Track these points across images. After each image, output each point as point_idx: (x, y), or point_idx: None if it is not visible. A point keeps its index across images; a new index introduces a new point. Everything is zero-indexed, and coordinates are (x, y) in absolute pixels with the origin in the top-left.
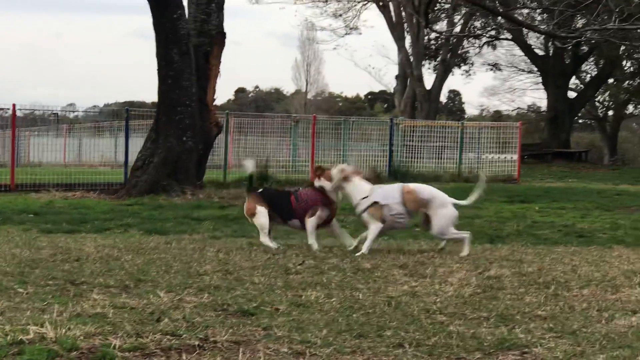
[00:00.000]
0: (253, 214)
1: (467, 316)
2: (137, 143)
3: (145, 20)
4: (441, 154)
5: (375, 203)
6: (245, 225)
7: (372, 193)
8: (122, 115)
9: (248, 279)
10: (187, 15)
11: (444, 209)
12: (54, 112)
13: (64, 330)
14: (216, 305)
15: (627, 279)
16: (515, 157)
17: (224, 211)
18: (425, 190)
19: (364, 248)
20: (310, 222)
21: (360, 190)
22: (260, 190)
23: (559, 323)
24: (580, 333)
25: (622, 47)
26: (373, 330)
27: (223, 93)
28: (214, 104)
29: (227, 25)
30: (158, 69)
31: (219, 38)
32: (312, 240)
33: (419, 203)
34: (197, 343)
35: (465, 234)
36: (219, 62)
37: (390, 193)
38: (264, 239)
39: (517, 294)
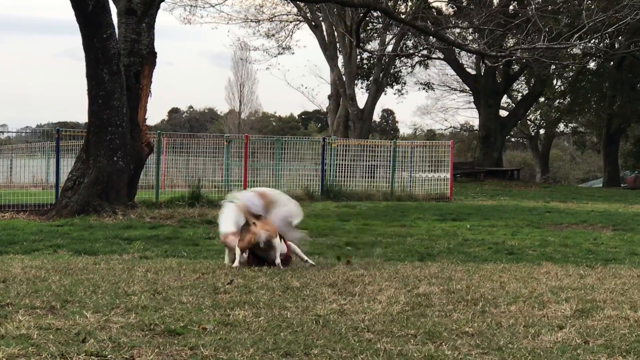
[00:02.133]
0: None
1: (394, 334)
2: (69, 164)
3: (75, 40)
4: (374, 172)
5: None
6: (176, 245)
7: None
8: (53, 135)
9: (176, 298)
10: (117, 35)
11: None
12: None
13: None
14: (143, 325)
15: (554, 295)
16: (448, 175)
17: (155, 231)
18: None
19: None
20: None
21: None
22: None
23: (486, 339)
24: (507, 349)
25: (552, 66)
26: (300, 348)
27: (157, 113)
28: (146, 123)
29: (160, 45)
30: (88, 89)
31: (150, 58)
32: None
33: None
34: None
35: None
36: (150, 81)
37: None
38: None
39: (445, 311)
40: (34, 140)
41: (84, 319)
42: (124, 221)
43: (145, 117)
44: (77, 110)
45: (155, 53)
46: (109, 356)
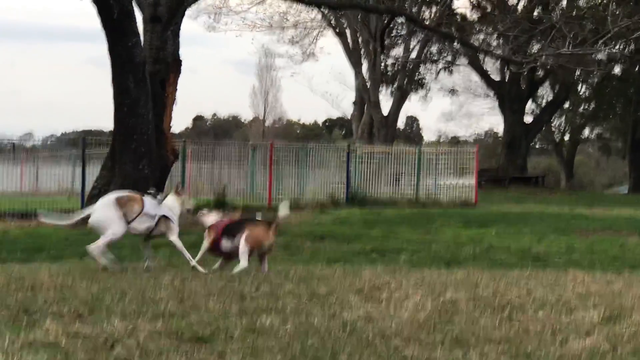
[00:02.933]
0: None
1: (422, 340)
2: (94, 171)
3: (100, 48)
4: (399, 179)
5: None
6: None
7: None
8: (79, 143)
9: (203, 305)
10: (142, 43)
11: None
12: (11, 141)
13: (15, 359)
14: (171, 332)
15: (581, 301)
16: (473, 182)
17: (181, 238)
18: None
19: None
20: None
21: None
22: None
23: (513, 346)
24: (535, 356)
25: (577, 72)
26: (327, 355)
27: (181, 121)
28: (171, 131)
29: (184, 53)
30: (114, 97)
31: (175, 65)
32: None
33: None
34: None
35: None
36: (175, 89)
37: None
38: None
39: (472, 317)
40: (59, 148)
41: (112, 326)
42: None
43: (171, 124)
44: (102, 118)
45: (181, 61)
46: None
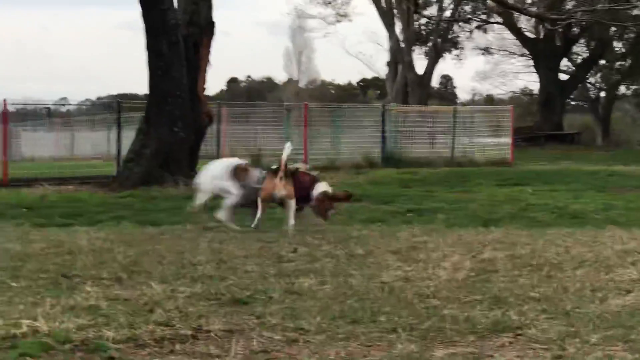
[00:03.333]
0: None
1: (460, 300)
2: (129, 135)
3: (134, 12)
4: (434, 139)
5: None
6: (241, 215)
7: None
8: (114, 107)
9: (241, 267)
10: (176, 6)
11: None
12: (46, 106)
13: (57, 323)
14: (209, 294)
15: (620, 258)
16: (508, 140)
17: (217, 201)
18: None
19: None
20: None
21: None
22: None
23: (553, 304)
24: (574, 314)
25: (613, 28)
26: (367, 316)
27: (215, 83)
28: (205, 94)
29: (216, 16)
30: (148, 61)
31: (209, 28)
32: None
33: None
34: (190, 333)
35: None
36: (209, 52)
37: None
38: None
39: (510, 276)
40: (94, 113)
41: (151, 290)
42: (187, 192)
43: (205, 87)
44: (137, 82)
45: (214, 23)
46: (177, 326)
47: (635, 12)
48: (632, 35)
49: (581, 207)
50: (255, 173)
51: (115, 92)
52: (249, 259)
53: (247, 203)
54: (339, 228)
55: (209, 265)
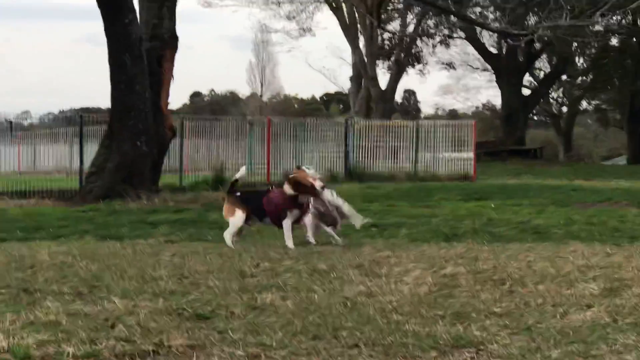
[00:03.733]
0: (232, 215)
1: (422, 315)
2: (92, 149)
3: (96, 26)
4: (397, 153)
5: None
6: (201, 229)
7: None
8: (76, 121)
9: (203, 282)
10: (138, 20)
11: None
12: (8, 119)
13: (16, 339)
14: (171, 310)
15: (582, 273)
16: (471, 155)
17: (180, 215)
18: None
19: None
20: (285, 224)
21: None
22: (238, 193)
23: (514, 319)
24: (536, 329)
25: (575, 44)
26: (329, 331)
27: (178, 97)
28: (168, 108)
29: (180, 29)
30: (110, 74)
31: (172, 42)
32: (289, 242)
33: None
34: (151, 348)
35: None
36: (172, 65)
37: None
38: (228, 236)
39: (472, 291)
40: (56, 126)
41: (112, 305)
42: (149, 206)
43: (168, 101)
44: (100, 96)
45: (177, 37)
46: (138, 341)
47: (597, 28)
48: (593, 50)
49: (543, 222)
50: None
51: (78, 106)
52: (211, 274)
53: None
54: (302, 242)
55: (170, 280)
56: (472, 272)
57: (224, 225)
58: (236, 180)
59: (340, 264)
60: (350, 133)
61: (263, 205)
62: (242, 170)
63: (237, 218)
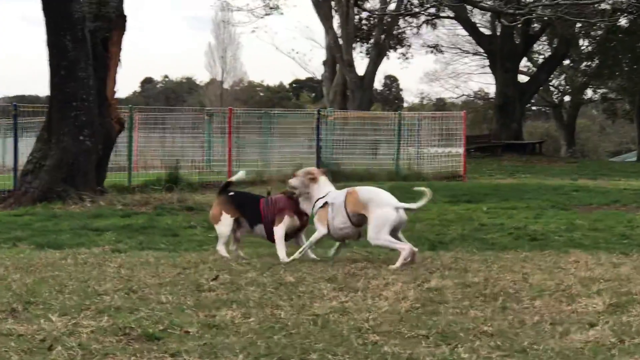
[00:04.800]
0: (217, 221)
1: (403, 335)
2: (29, 144)
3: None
4: (376, 149)
5: (326, 204)
6: (153, 236)
7: (329, 194)
8: (9, 112)
9: (154, 297)
10: None
11: (380, 210)
12: None
13: None
14: (117, 329)
15: (585, 287)
16: (461, 151)
17: (129, 220)
18: (366, 190)
19: (296, 253)
20: (278, 231)
21: (321, 190)
22: (231, 193)
23: (507, 340)
24: (531, 350)
25: (578, 25)
26: (296, 353)
27: (127, 85)
28: (115, 97)
29: (128, 8)
30: (49, 59)
31: (119, 22)
32: (281, 252)
33: (357, 205)
34: None
35: (404, 246)
36: (120, 49)
37: (338, 195)
38: (220, 247)
39: (460, 307)
40: None
41: (50, 323)
42: (93, 209)
43: (115, 89)
44: (37, 83)
45: (125, 17)
46: None
47: (603, 6)
48: (599, 32)
49: (542, 227)
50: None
51: (12, 94)
52: (163, 288)
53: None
54: (267, 252)
55: (117, 295)
56: (460, 285)
57: (182, 233)
58: (230, 183)
59: (310, 277)
60: (323, 125)
61: (259, 209)
62: (241, 174)
63: (223, 225)
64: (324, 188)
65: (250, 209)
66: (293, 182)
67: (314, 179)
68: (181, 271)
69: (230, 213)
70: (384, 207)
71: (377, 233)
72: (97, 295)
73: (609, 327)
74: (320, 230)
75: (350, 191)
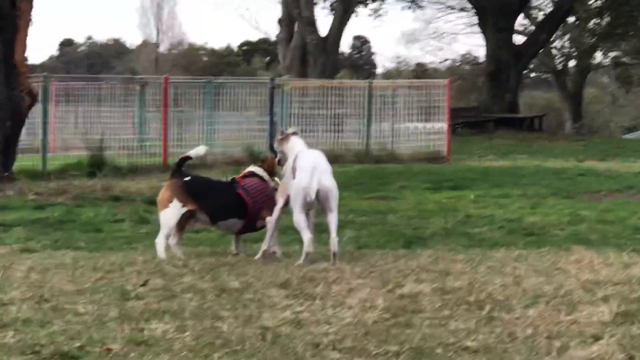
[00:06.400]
0: (164, 207)
1: (369, 352)
2: None
3: None
4: (342, 125)
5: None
6: (71, 232)
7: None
8: None
9: (70, 308)
10: None
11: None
12: None
13: None
14: (25, 346)
15: (588, 292)
16: (444, 126)
17: (42, 213)
18: (304, 155)
19: (264, 243)
20: (271, 223)
21: (293, 152)
22: (187, 178)
23: (495, 357)
24: None
25: None
26: None
27: (41, 49)
28: (26, 63)
29: None
30: None
31: None
32: (274, 247)
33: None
34: None
35: (306, 234)
36: (31, 6)
37: (305, 156)
38: (160, 241)
39: (438, 318)
40: None
41: None
42: None
43: (26, 54)
44: None
45: None
46: None
47: None
48: None
49: (540, 219)
50: None
51: None
52: (82, 296)
53: None
54: (207, 251)
55: (25, 305)
56: (439, 291)
57: (106, 229)
58: (187, 159)
59: (258, 281)
60: (278, 97)
61: (238, 200)
62: (201, 149)
63: (171, 214)
64: (295, 148)
65: (215, 200)
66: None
67: (284, 139)
68: (104, 275)
69: (183, 202)
70: (299, 173)
71: (292, 206)
72: (1, 305)
73: (615, 340)
74: (278, 203)
75: (297, 153)
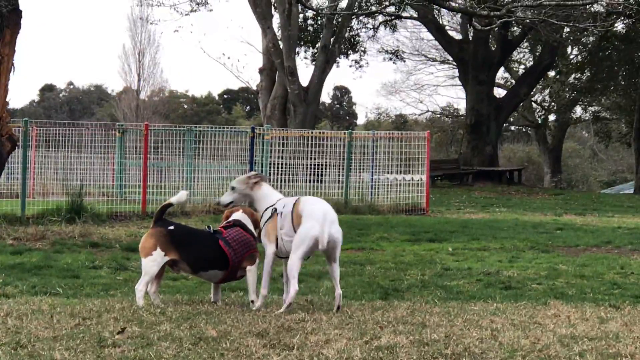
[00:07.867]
0: (146, 255)
1: None
2: None
3: None
4: (322, 175)
5: (275, 213)
6: (49, 278)
7: (279, 202)
8: None
9: (47, 354)
10: None
11: (305, 224)
12: None
13: None
14: None
15: (565, 347)
16: (424, 178)
17: (20, 258)
18: (308, 200)
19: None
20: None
21: (269, 198)
22: (170, 227)
23: None
24: None
25: (566, 30)
26: None
27: (23, 93)
28: (7, 108)
29: (25, 2)
30: None
31: (12, 18)
32: (256, 296)
33: (298, 216)
34: None
35: (295, 285)
36: (13, 50)
37: (288, 202)
38: (141, 287)
39: None
40: None
41: None
42: None
43: (7, 99)
44: None
45: (20, 12)
46: None
47: (595, 8)
48: (591, 38)
49: (517, 273)
50: None
51: None
52: (59, 342)
53: None
54: (185, 299)
55: (1, 351)
56: (416, 343)
57: (84, 275)
58: (168, 205)
59: (235, 330)
60: (257, 146)
61: (218, 251)
62: (182, 195)
63: (153, 262)
64: (272, 195)
65: (197, 252)
66: (227, 197)
67: (257, 183)
68: (80, 322)
69: (165, 250)
70: (309, 221)
71: (294, 251)
72: None
73: None
74: (268, 248)
75: (298, 199)
